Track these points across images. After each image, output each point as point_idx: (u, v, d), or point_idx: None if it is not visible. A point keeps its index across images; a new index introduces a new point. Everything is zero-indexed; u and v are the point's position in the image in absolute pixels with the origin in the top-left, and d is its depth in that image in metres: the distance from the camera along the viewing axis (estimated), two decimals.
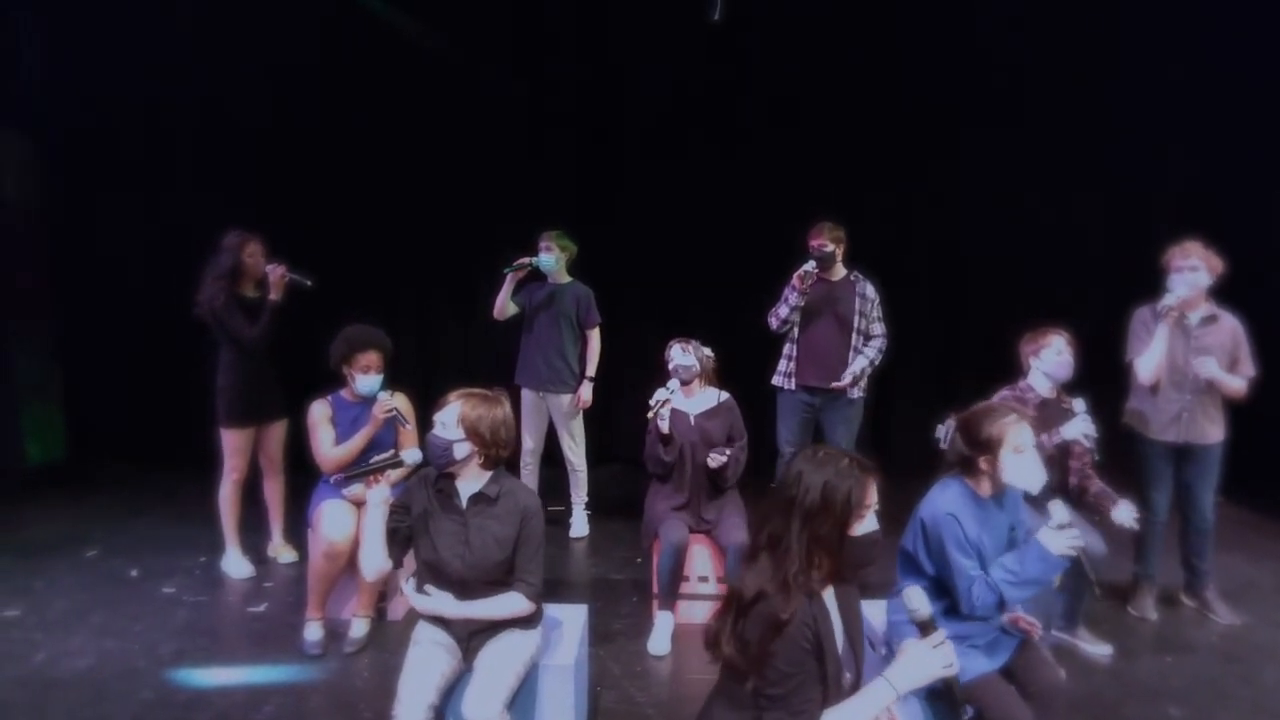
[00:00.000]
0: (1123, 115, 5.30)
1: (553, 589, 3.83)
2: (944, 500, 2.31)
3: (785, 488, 1.76)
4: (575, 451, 4.60)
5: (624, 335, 5.11)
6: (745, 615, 1.68)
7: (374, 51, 5.41)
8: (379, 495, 2.40)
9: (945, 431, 2.42)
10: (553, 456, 4.73)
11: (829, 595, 1.80)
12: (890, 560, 2.37)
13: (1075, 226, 5.45)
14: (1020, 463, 2.28)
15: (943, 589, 2.28)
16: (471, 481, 2.40)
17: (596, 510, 4.75)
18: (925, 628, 1.72)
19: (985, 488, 2.34)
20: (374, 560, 2.39)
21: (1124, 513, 3.11)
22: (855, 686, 1.77)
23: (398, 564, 2.45)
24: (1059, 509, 2.27)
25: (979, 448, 2.30)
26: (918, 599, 1.72)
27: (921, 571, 2.32)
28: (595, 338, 4.51)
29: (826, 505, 1.70)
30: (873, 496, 1.75)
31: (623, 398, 5.23)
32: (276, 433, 4.07)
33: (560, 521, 4.67)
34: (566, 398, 4.48)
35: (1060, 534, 2.21)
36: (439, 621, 2.41)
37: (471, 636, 2.38)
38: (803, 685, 1.67)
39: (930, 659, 1.68)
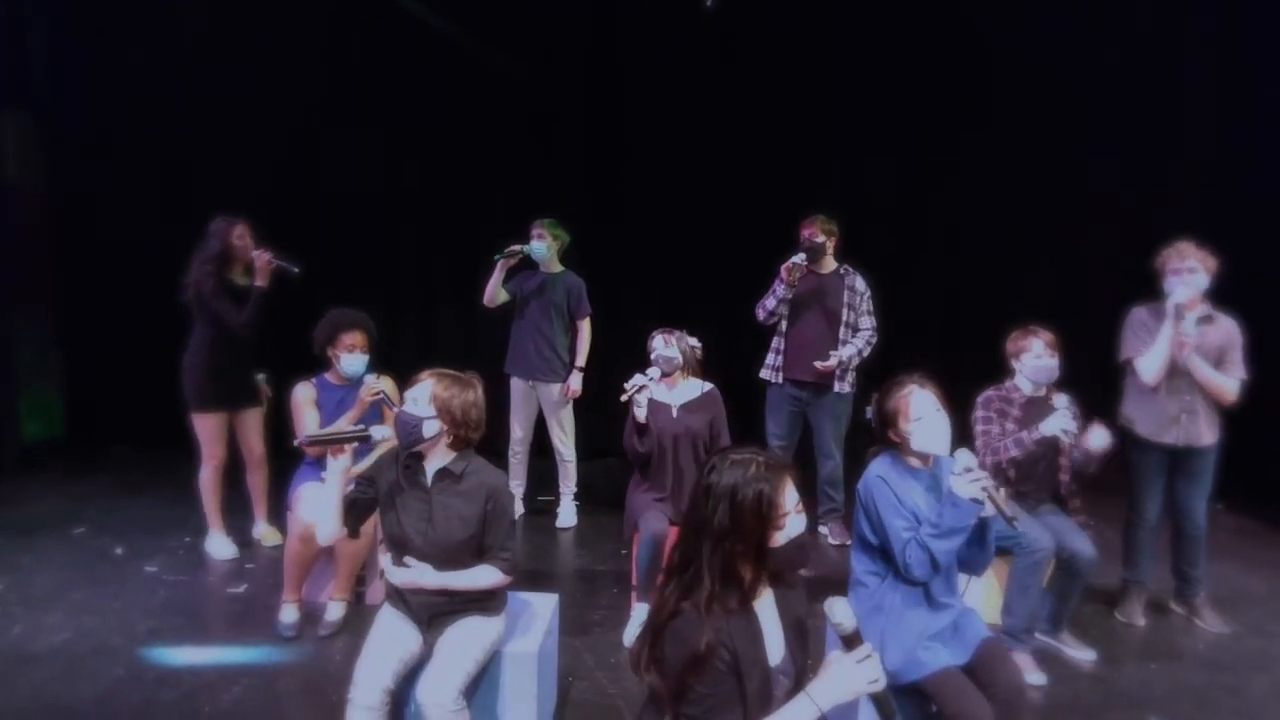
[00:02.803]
0: (1121, 114, 5.21)
1: (534, 579, 3.82)
2: (874, 468, 2.45)
3: (695, 505, 1.66)
4: (564, 442, 4.58)
5: (618, 327, 5.08)
6: (660, 635, 1.61)
7: (376, 40, 5.41)
8: (340, 464, 2.39)
9: (871, 412, 2.55)
10: (543, 447, 4.71)
11: (766, 602, 1.72)
12: None
13: (1074, 224, 5.37)
14: (923, 429, 2.38)
15: (890, 558, 2.36)
16: (438, 459, 2.40)
17: (585, 501, 4.73)
18: (850, 641, 1.62)
19: (914, 460, 2.46)
20: (327, 526, 2.41)
21: (1097, 437, 3.05)
22: (795, 692, 1.71)
23: (352, 533, 2.46)
24: (963, 455, 2.32)
25: (887, 422, 2.44)
26: (841, 611, 1.62)
27: (870, 545, 2.42)
28: (586, 328, 4.49)
29: (736, 523, 1.60)
30: (789, 500, 1.64)
31: (615, 390, 5.19)
32: (253, 422, 4.05)
33: (549, 511, 4.65)
34: (556, 387, 4.46)
35: (966, 478, 2.27)
36: (401, 602, 2.40)
37: (432, 619, 2.37)
38: (721, 705, 1.60)
39: (855, 673, 1.59)
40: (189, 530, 4.23)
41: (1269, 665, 3.27)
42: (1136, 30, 5.11)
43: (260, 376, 4.09)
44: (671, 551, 1.72)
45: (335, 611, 3.34)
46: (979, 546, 2.38)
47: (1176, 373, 3.35)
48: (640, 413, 3.39)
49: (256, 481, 4.14)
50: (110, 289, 5.63)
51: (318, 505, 3.21)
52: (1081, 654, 3.27)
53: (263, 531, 4.19)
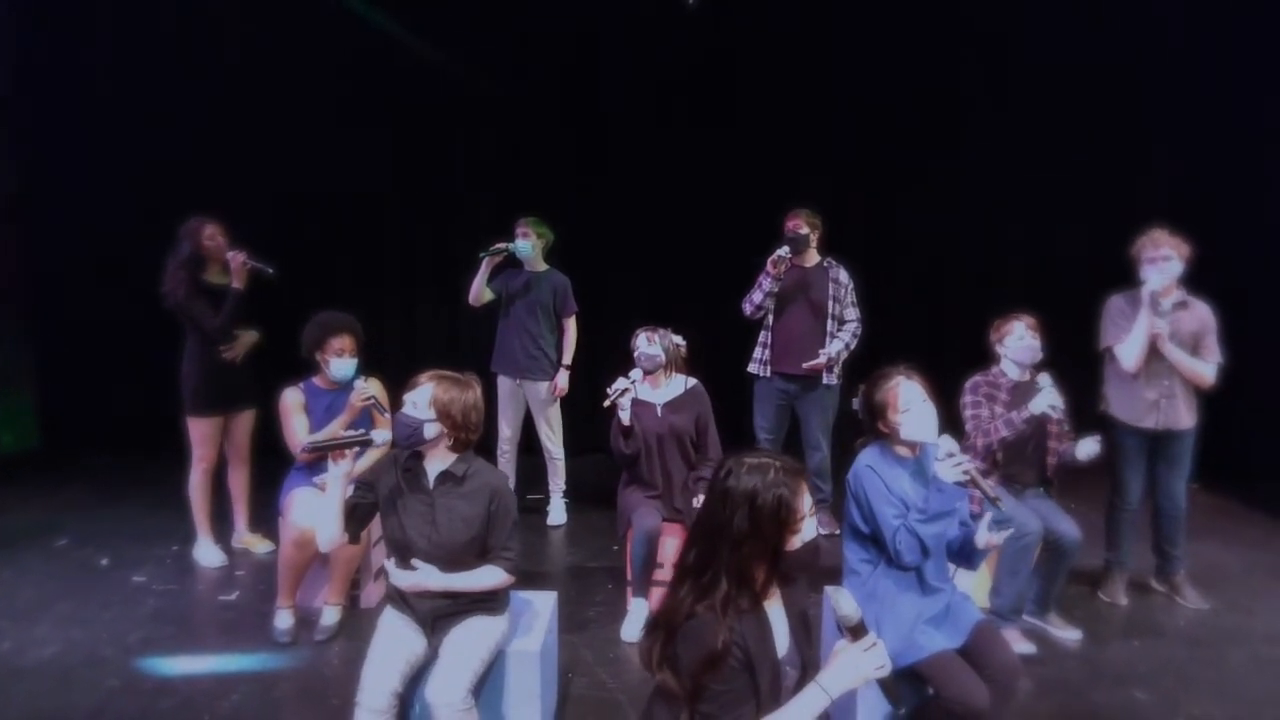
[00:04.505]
0: (1103, 105, 5.31)
1: (528, 577, 3.80)
2: (863, 458, 2.50)
3: (711, 509, 1.68)
4: (553, 440, 4.58)
5: (606, 325, 5.09)
6: (673, 637, 1.64)
7: (355, 39, 5.35)
8: (341, 469, 2.38)
9: (858, 402, 2.59)
10: (531, 445, 4.72)
11: (774, 601, 1.75)
12: None
13: (1056, 215, 5.46)
14: (911, 419, 2.43)
15: (882, 546, 2.42)
16: (439, 462, 2.41)
17: (575, 499, 4.74)
18: (856, 631, 1.66)
19: (901, 449, 2.50)
20: (329, 532, 2.39)
21: (1086, 445, 3.19)
22: (803, 682, 1.74)
23: (353, 538, 2.45)
24: (946, 441, 2.39)
25: (875, 413, 2.48)
26: (847, 604, 1.67)
27: (861, 534, 2.48)
28: (572, 326, 4.50)
29: (756, 528, 1.62)
30: (806, 504, 1.67)
31: (602, 387, 5.20)
32: (245, 422, 4.02)
33: (539, 510, 4.66)
34: (543, 385, 4.46)
35: (949, 463, 2.33)
36: (404, 605, 2.40)
37: (436, 620, 2.37)
38: (735, 700, 1.63)
39: (862, 662, 1.63)
40: (175, 538, 4.17)
41: (1247, 639, 3.38)
42: (1123, 26, 5.20)
43: (251, 333, 3.97)
44: (683, 551, 1.74)
45: (331, 616, 3.32)
46: (967, 554, 2.46)
47: (1155, 359, 3.43)
48: (624, 415, 3.40)
49: (238, 483, 4.09)
50: (82, 294, 5.53)
51: (315, 511, 3.20)
52: (1068, 634, 3.35)
53: (243, 538, 4.14)
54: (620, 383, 3.38)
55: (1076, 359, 3.74)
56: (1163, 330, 3.35)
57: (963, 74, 5.42)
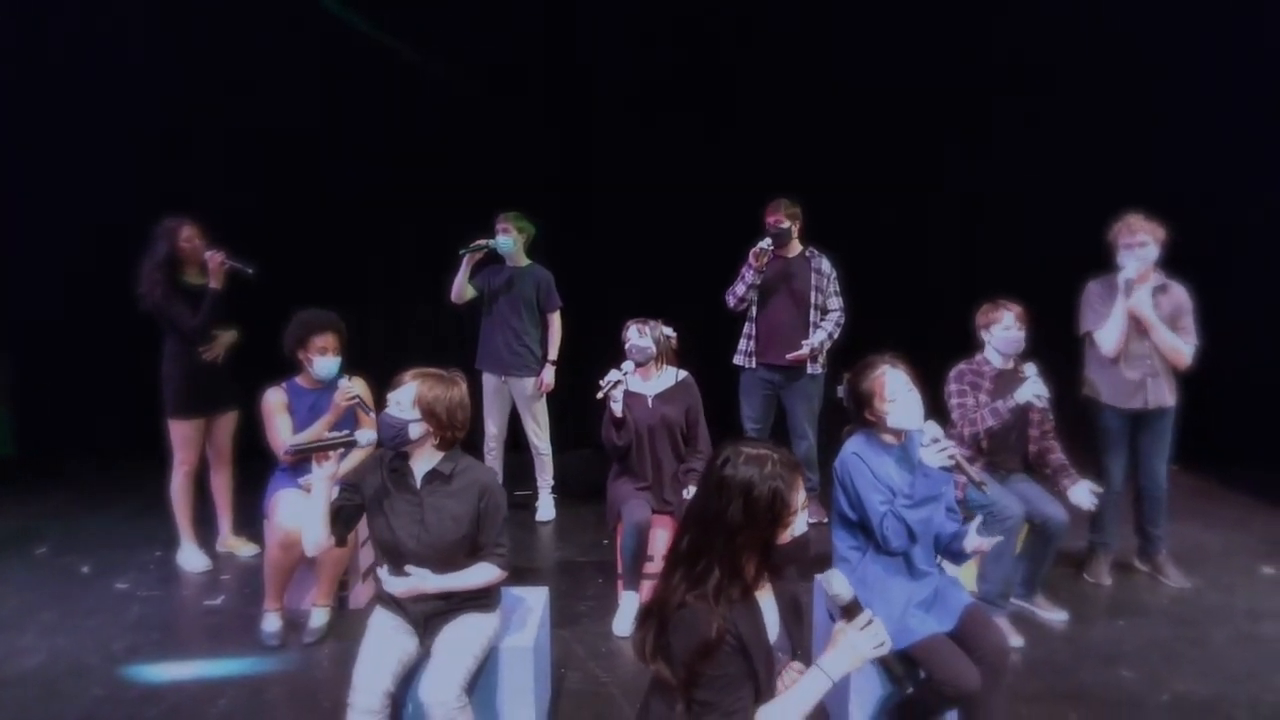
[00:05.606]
0: (1100, 103, 5.34)
1: (518, 573, 3.78)
2: (849, 446, 2.52)
3: (706, 497, 1.68)
4: (539, 435, 4.57)
5: (590, 319, 5.08)
6: (665, 627, 1.64)
7: (337, 35, 5.29)
8: (325, 471, 2.35)
9: (843, 391, 2.60)
10: (517, 442, 4.70)
11: (764, 592, 1.75)
12: None
13: (1048, 209, 5.49)
14: (898, 408, 2.45)
15: (870, 533, 2.44)
16: (426, 461, 2.38)
17: (563, 494, 4.73)
18: (850, 611, 1.67)
19: (887, 436, 2.52)
20: (314, 535, 2.35)
21: (1082, 494, 3.21)
22: (792, 661, 1.76)
23: (340, 541, 2.41)
24: (931, 427, 2.42)
25: (861, 402, 2.50)
26: (839, 583, 1.67)
27: (849, 521, 2.50)
28: (556, 321, 4.48)
29: (750, 519, 1.63)
30: (800, 499, 1.68)
31: (589, 382, 5.18)
32: (226, 424, 3.97)
33: (527, 506, 4.64)
34: (529, 381, 4.44)
35: (934, 449, 2.36)
36: (395, 606, 2.38)
37: (428, 620, 2.36)
38: (731, 685, 1.64)
39: (861, 641, 1.64)
40: (158, 544, 4.12)
41: (1229, 616, 3.44)
42: (1122, 25, 5.24)
43: (230, 333, 3.90)
44: (676, 538, 1.74)
45: (319, 618, 3.29)
46: (954, 552, 2.48)
47: (1135, 341, 3.48)
48: (616, 408, 3.40)
49: (221, 485, 4.04)
50: (56, 298, 5.44)
51: (301, 514, 3.16)
52: (1054, 615, 3.39)
53: (227, 541, 4.09)
54: (613, 375, 3.38)
55: (1066, 351, 3.77)
56: (1144, 303, 3.39)
57: (949, 62, 5.42)
